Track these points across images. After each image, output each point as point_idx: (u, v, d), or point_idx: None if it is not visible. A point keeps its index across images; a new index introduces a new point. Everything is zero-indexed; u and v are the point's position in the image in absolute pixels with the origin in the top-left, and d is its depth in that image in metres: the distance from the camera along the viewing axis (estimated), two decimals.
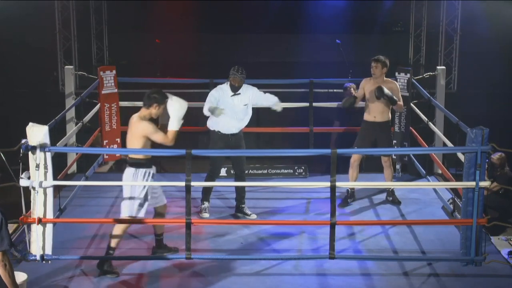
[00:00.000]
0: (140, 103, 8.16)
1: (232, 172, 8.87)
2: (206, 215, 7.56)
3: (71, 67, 9.84)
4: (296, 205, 7.90)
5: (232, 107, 7.49)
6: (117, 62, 11.00)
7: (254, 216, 7.52)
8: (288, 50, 12.53)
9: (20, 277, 5.55)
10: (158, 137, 6.19)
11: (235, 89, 7.48)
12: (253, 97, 7.59)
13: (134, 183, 6.16)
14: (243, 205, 7.62)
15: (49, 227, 6.05)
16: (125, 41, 12.01)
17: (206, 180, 7.61)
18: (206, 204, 7.63)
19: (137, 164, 6.20)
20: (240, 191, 7.63)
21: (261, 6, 12.24)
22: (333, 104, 9.12)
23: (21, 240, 6.53)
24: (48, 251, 6.03)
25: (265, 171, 8.94)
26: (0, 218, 4.53)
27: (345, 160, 8.27)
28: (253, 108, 9.86)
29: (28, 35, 11.11)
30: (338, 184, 6.10)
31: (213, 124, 7.61)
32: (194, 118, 9.55)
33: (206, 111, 7.46)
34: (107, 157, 8.66)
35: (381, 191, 8.30)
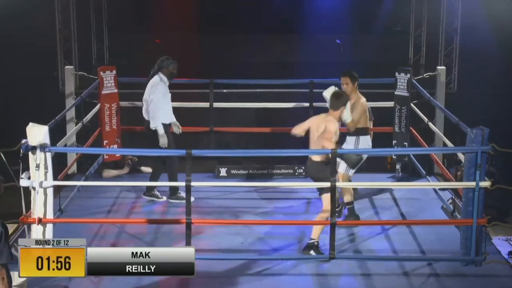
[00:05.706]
0: (139, 103, 8.20)
1: (232, 172, 8.87)
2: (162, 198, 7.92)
3: (71, 67, 9.84)
4: (296, 205, 7.90)
5: (169, 95, 7.78)
6: (117, 62, 10.98)
7: (164, 198, 7.83)
8: (288, 50, 12.49)
9: None
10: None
11: (172, 77, 7.77)
12: None
13: (125, 183, 6.14)
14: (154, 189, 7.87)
15: (49, 227, 6.05)
16: (125, 41, 11.99)
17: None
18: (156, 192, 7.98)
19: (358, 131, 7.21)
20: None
21: (261, 6, 12.22)
22: None
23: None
24: None
25: (265, 171, 8.93)
26: (1, 231, 4.52)
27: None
28: (253, 108, 9.87)
29: (28, 35, 11.09)
30: (338, 184, 6.11)
31: (158, 119, 7.72)
32: (194, 118, 9.57)
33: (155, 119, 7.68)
34: (107, 157, 8.65)
35: (381, 191, 8.30)
